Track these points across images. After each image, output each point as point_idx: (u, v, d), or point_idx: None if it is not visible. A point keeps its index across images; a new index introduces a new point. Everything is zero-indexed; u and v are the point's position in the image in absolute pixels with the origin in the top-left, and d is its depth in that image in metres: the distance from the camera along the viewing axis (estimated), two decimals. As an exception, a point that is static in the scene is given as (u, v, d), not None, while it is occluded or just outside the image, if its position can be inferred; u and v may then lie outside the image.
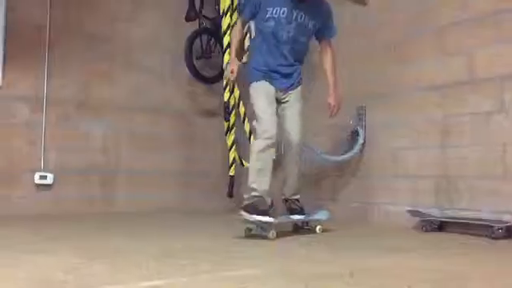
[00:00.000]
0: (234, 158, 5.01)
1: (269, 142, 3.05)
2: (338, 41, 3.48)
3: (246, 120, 4.92)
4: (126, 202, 4.88)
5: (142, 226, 3.80)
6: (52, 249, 2.49)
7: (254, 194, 3.03)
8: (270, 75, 3.22)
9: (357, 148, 4.04)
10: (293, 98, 3.29)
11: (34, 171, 4.43)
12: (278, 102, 3.28)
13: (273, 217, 2.98)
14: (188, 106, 5.41)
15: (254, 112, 3.20)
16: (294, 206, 3.31)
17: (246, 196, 3.06)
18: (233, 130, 4.98)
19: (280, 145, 3.38)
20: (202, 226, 3.84)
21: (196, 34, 5.07)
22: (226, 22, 4.83)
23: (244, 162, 4.96)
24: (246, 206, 2.95)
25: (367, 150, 4.09)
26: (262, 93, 3.19)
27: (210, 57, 5.20)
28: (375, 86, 4.07)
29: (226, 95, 4.86)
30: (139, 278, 1.81)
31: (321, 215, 3.31)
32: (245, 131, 4.94)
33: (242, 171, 5.08)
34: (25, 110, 4.48)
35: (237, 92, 4.93)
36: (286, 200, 3.37)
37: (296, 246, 2.78)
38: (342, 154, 4.11)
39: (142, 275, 1.86)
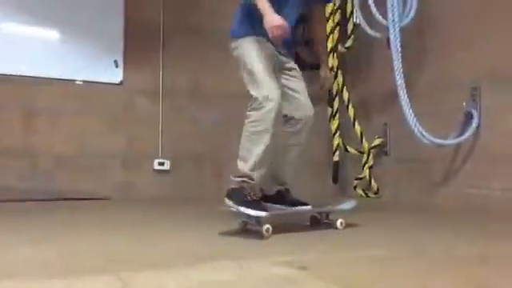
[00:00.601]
0: (338, 144, 5.08)
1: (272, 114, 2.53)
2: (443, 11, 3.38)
3: (350, 105, 4.96)
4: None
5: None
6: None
7: (247, 181, 2.52)
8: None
9: (470, 131, 3.93)
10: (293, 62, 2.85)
11: (153, 158, 4.80)
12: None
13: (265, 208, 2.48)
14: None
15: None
16: (294, 198, 2.78)
17: (234, 179, 2.55)
18: (336, 116, 5.05)
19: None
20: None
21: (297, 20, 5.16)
22: (328, 7, 4.89)
23: (348, 147, 5.02)
24: (234, 193, 2.48)
25: (484, 133, 3.95)
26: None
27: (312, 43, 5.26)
28: (494, 63, 3.86)
29: (331, 81, 4.93)
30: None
31: (346, 205, 2.78)
32: (349, 116, 4.98)
33: (346, 157, 5.17)
34: (144, 102, 4.84)
35: (340, 77, 4.99)
36: (285, 190, 2.81)
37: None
38: (454, 138, 4.02)
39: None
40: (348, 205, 2.78)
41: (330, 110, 5.06)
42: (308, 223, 2.79)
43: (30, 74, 4.40)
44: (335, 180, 5.13)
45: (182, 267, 1.73)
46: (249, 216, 2.40)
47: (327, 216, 2.74)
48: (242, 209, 2.38)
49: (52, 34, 4.54)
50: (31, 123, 4.43)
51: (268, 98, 2.52)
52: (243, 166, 2.53)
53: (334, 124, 5.06)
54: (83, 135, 4.60)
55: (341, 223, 2.65)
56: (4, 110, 4.35)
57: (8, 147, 4.32)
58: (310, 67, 5.43)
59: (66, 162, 4.50)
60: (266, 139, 2.53)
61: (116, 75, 4.69)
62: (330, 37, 4.99)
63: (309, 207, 2.69)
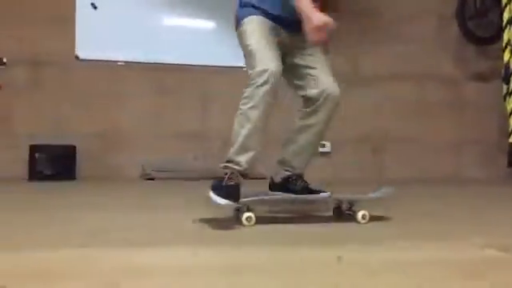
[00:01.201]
0: (513, 125, 4.64)
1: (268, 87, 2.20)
2: None
3: (528, 83, 4.49)
4: (396, 169, 5.01)
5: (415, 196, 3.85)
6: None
7: (231, 166, 2.27)
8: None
9: None
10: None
11: (315, 140, 4.91)
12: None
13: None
14: (457, 71, 5.22)
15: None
16: (307, 185, 2.40)
17: (221, 166, 2.32)
18: (513, 94, 4.61)
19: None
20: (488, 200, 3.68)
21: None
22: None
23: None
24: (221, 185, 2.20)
25: None
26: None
27: (486, 16, 4.86)
28: None
29: (506, 56, 4.50)
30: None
31: (380, 193, 2.33)
32: (526, 95, 4.51)
33: None
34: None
35: (517, 52, 4.53)
36: (295, 176, 2.44)
37: None
38: None
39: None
40: (380, 193, 2.34)
41: (505, 87, 4.63)
42: (331, 214, 2.39)
43: (206, 63, 4.82)
44: (511, 164, 4.72)
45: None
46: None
47: (350, 207, 2.30)
48: (212, 195, 2.13)
49: (222, 25, 4.87)
50: (207, 108, 4.86)
51: (262, 71, 2.22)
52: (230, 151, 2.30)
53: (510, 103, 4.62)
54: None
55: (363, 216, 2.20)
56: (185, 96, 4.83)
57: (188, 131, 4.79)
58: (485, 43, 5.06)
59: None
60: (253, 117, 2.24)
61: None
62: (507, 7, 4.55)
63: (294, 196, 2.35)
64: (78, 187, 3.92)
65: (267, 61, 2.25)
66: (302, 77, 2.44)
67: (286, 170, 2.46)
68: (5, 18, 4.53)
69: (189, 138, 4.80)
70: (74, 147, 4.36)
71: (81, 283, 1.25)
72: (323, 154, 4.90)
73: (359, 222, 2.18)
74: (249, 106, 2.27)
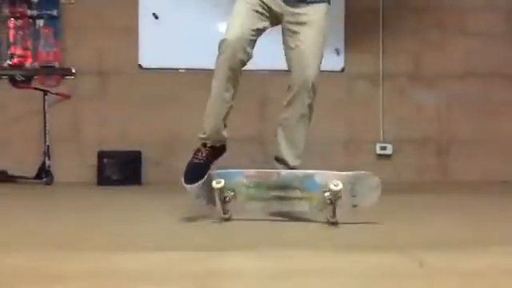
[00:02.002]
0: None
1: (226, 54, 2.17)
2: None
3: None
4: (461, 171, 4.84)
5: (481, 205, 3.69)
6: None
7: (201, 136, 2.28)
8: None
9: None
10: (312, 16, 2.35)
11: (374, 142, 4.84)
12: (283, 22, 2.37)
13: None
14: (528, 68, 5.00)
15: None
16: None
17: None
18: None
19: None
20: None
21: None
22: None
23: None
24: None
25: None
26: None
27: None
28: None
29: None
30: None
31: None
32: None
33: None
34: (364, 86, 4.90)
35: None
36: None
37: None
38: None
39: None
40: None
41: None
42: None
43: (263, 67, 4.86)
44: None
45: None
46: None
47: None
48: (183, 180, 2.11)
49: (277, 29, 4.89)
50: (264, 113, 4.90)
51: (221, 41, 2.20)
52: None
53: None
54: (313, 122, 4.87)
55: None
56: (243, 101, 4.88)
57: (246, 135, 4.85)
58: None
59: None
60: (213, 87, 2.26)
61: (338, 63, 4.85)
62: None
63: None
64: (144, 192, 4.06)
65: (229, 30, 2.26)
66: (288, 60, 2.43)
67: (284, 166, 2.47)
68: (72, 30, 4.76)
69: (247, 142, 4.85)
70: (140, 153, 4.52)
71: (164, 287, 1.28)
72: (384, 156, 4.82)
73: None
74: (213, 77, 2.31)
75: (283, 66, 4.85)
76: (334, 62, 4.84)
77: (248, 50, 2.30)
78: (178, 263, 1.47)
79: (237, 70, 2.31)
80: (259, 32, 2.39)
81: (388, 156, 4.83)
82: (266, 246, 1.77)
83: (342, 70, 4.87)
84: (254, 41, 2.34)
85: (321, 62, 2.44)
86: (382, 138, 4.84)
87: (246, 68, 4.83)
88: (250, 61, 4.81)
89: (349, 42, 4.84)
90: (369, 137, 4.86)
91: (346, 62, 4.85)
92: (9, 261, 1.42)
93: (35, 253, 1.58)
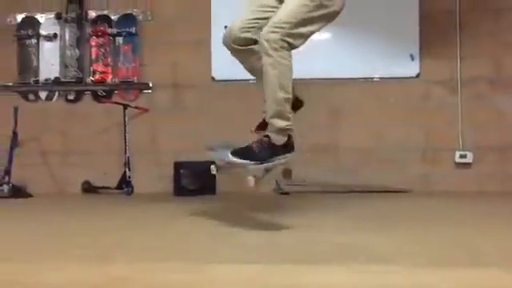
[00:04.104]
0: None
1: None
2: None
3: None
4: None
5: None
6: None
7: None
8: None
9: None
10: None
11: (453, 150, 4.64)
12: None
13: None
14: None
15: None
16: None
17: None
18: None
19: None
20: None
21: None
22: None
23: None
24: None
25: None
26: None
27: None
28: None
29: None
30: None
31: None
32: None
33: None
34: (441, 93, 4.72)
35: None
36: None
37: None
38: None
39: None
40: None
41: None
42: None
43: (333, 76, 4.82)
44: None
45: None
46: None
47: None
48: None
49: (348, 36, 4.83)
50: (336, 121, 4.85)
51: None
52: None
53: None
54: (383, 129, 4.78)
55: None
56: (314, 111, 4.87)
57: (316, 144, 4.82)
58: None
59: (367, 155, 4.75)
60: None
61: (412, 68, 4.71)
62: None
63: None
64: (219, 201, 4.14)
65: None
66: None
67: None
68: (148, 46, 4.96)
69: (319, 151, 4.82)
70: (214, 163, 4.60)
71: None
72: (463, 164, 4.62)
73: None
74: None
75: (353, 74, 4.84)
76: (408, 67, 4.73)
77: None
78: (267, 276, 1.48)
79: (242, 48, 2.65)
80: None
81: (468, 164, 4.62)
82: (352, 260, 1.73)
83: (418, 76, 4.72)
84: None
85: (298, 24, 2.45)
86: (461, 146, 4.64)
87: (315, 76, 4.85)
88: (320, 69, 4.83)
89: (424, 46, 4.70)
90: (447, 145, 4.67)
91: (421, 67, 4.71)
92: (114, 274, 1.49)
93: (138, 264, 1.65)
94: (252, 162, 2.33)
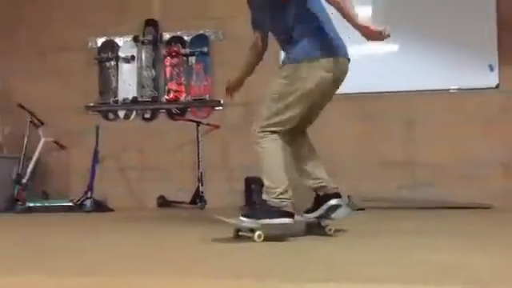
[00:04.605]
0: None
1: None
2: None
3: None
4: None
5: None
6: None
7: None
8: None
9: None
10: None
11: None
12: None
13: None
14: None
15: None
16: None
17: None
18: None
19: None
20: None
21: None
22: None
23: None
24: None
25: None
26: None
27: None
28: None
29: None
30: None
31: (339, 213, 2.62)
32: None
33: None
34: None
35: None
36: None
37: None
38: None
39: None
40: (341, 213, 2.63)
41: None
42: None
43: (407, 89, 4.70)
44: None
45: None
46: None
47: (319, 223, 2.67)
48: None
49: (425, 48, 4.70)
50: (410, 134, 4.71)
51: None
52: None
53: None
54: (461, 142, 4.59)
55: (329, 229, 2.64)
56: (389, 124, 4.77)
57: (390, 158, 4.70)
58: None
59: (445, 170, 4.57)
60: None
61: (491, 79, 4.52)
62: None
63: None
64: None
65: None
66: None
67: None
68: (220, 64, 5.08)
69: (394, 166, 4.69)
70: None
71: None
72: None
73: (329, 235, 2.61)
74: None
75: (429, 85, 4.69)
76: (487, 78, 4.55)
77: None
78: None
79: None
80: None
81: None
82: (453, 283, 1.57)
83: (497, 87, 4.52)
84: None
85: (270, 116, 2.63)
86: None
87: (390, 89, 4.74)
88: (395, 81, 4.72)
89: (503, 55, 4.51)
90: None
91: (500, 77, 4.51)
92: None
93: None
94: (247, 220, 2.47)
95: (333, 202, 2.66)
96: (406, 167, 4.67)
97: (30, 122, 4.86)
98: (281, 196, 2.54)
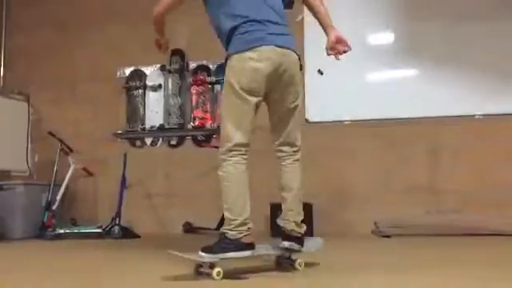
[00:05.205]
0: None
1: None
2: None
3: None
4: None
5: None
6: None
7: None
8: None
9: None
10: None
11: None
12: None
13: None
14: None
15: None
16: None
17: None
18: None
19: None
20: None
21: None
22: None
23: None
24: None
25: None
26: None
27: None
28: None
29: None
30: None
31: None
32: None
33: None
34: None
35: None
36: None
37: None
38: None
39: None
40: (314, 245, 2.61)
41: None
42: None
43: (432, 115, 4.71)
44: None
45: None
46: None
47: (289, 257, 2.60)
48: None
49: (449, 73, 4.71)
50: (435, 160, 4.70)
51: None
52: None
53: None
54: (487, 169, 4.56)
55: (299, 264, 2.57)
56: (413, 150, 4.77)
57: (415, 184, 4.68)
58: None
59: (471, 197, 4.53)
60: None
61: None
62: None
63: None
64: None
65: None
66: None
67: None
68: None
69: (419, 192, 4.67)
70: (311, 205, 4.63)
71: None
72: None
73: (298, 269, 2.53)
74: None
75: (453, 111, 4.69)
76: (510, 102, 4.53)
77: None
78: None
79: None
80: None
81: None
82: None
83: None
84: None
85: (225, 133, 2.69)
86: None
87: (414, 115, 4.75)
88: (418, 107, 4.74)
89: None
90: None
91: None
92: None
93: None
94: (206, 255, 2.35)
95: (285, 244, 2.63)
96: (432, 194, 4.65)
97: (61, 149, 4.99)
98: (239, 228, 2.49)
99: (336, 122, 4.97)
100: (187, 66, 5.36)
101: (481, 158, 4.56)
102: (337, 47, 2.61)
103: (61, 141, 5.00)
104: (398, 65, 4.89)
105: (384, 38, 4.95)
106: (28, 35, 5.81)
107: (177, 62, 5.29)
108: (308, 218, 4.53)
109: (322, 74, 4.98)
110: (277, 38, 2.57)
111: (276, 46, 2.55)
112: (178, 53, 5.33)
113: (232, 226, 2.48)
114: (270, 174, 4.98)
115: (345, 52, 2.63)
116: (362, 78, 4.94)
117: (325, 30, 2.65)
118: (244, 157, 2.61)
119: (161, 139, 5.33)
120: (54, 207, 4.79)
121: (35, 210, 4.84)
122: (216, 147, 5.03)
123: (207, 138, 5.26)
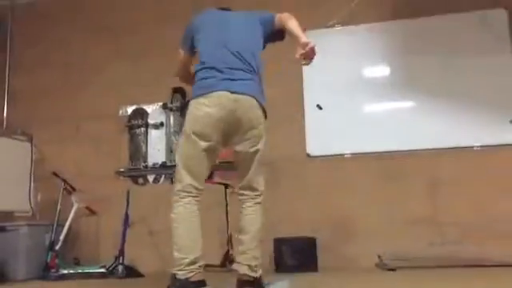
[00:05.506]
0: None
1: None
2: None
3: None
4: None
5: None
6: None
7: None
8: None
9: None
10: None
11: None
12: None
13: None
14: None
15: None
16: None
17: None
18: None
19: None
20: None
21: None
22: None
23: None
24: None
25: None
26: None
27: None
28: None
29: None
30: None
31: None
32: None
33: None
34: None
35: None
36: None
37: None
38: None
39: None
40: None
41: None
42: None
43: (430, 147, 4.76)
44: None
45: None
46: None
47: None
48: None
49: (446, 105, 4.77)
50: (434, 193, 4.72)
51: None
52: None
53: None
54: (486, 201, 4.57)
55: None
56: (412, 182, 4.80)
57: (418, 217, 4.69)
58: None
59: (471, 229, 4.54)
60: None
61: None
62: None
63: None
64: (324, 279, 4.06)
65: None
66: None
67: None
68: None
69: (420, 224, 4.68)
70: (315, 239, 4.63)
71: None
72: None
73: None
74: None
75: (451, 143, 4.74)
76: (508, 134, 4.60)
77: None
78: None
79: None
80: None
81: None
82: None
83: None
84: None
85: (177, 175, 2.81)
86: None
87: (412, 147, 4.79)
88: (416, 140, 4.79)
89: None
90: None
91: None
92: None
93: None
94: None
95: None
96: (434, 226, 4.65)
97: (64, 189, 5.00)
98: (188, 267, 2.49)
99: (337, 155, 5.01)
100: (188, 103, 5.45)
101: (481, 190, 4.59)
102: (308, 52, 2.64)
103: (64, 181, 5.03)
104: (394, 97, 4.96)
105: (380, 71, 5.04)
106: (31, 75, 5.91)
107: (178, 100, 5.38)
108: (311, 252, 4.56)
109: (320, 108, 5.05)
110: (232, 83, 2.63)
111: (230, 92, 2.61)
112: (179, 91, 5.42)
113: (182, 266, 2.50)
114: (270, 209, 5.00)
115: (311, 59, 2.68)
116: (359, 111, 5.01)
117: (297, 37, 2.70)
118: (196, 198, 2.64)
119: (163, 176, 5.37)
120: (57, 247, 4.77)
121: (38, 250, 4.81)
122: (219, 183, 5.07)
123: (210, 173, 5.29)
